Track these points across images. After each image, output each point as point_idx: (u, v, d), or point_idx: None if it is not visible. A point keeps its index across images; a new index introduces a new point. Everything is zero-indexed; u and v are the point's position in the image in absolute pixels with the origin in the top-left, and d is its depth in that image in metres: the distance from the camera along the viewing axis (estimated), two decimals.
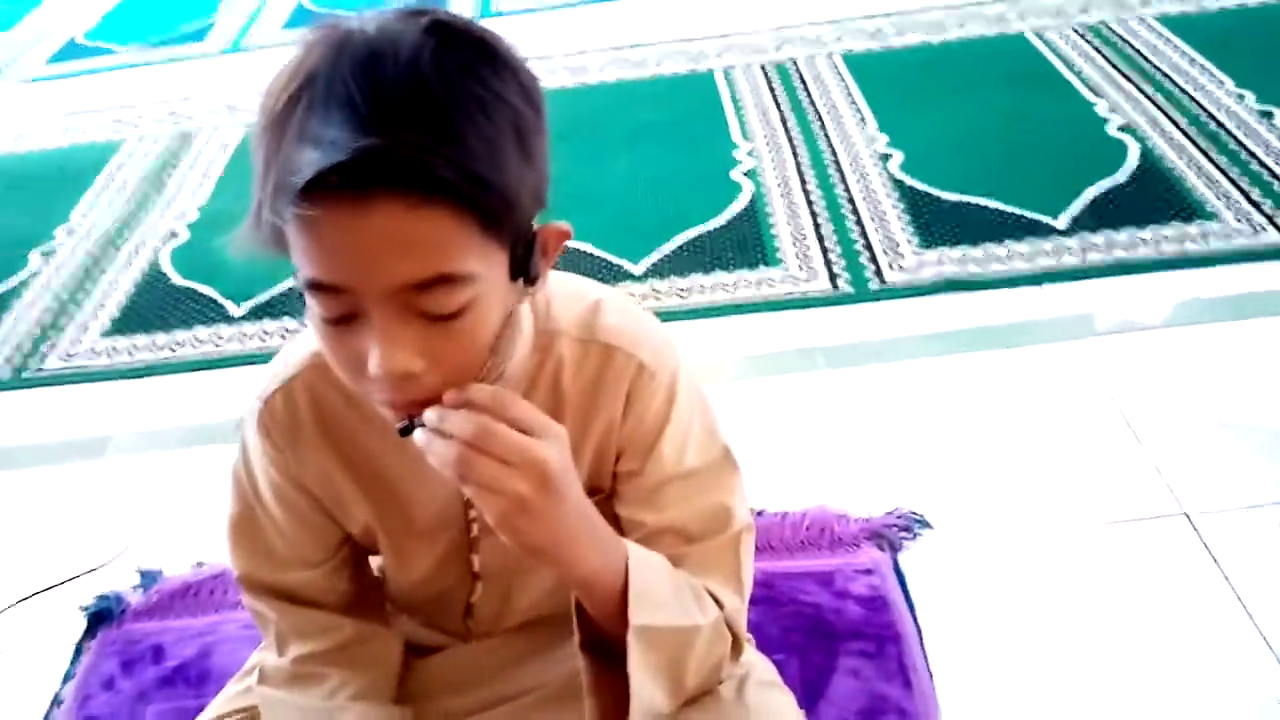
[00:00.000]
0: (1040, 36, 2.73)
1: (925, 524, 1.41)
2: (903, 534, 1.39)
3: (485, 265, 0.64)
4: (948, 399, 1.65)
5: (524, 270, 0.69)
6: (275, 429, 0.86)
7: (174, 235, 2.47)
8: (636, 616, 0.77)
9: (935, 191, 2.17)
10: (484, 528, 0.91)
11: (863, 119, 2.49)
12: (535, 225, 0.69)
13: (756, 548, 0.96)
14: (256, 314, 2.14)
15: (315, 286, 0.63)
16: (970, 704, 1.19)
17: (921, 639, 1.26)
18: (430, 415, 0.67)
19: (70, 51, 3.72)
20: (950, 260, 1.96)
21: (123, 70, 3.49)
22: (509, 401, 0.68)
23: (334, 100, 0.59)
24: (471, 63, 0.62)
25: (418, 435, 0.67)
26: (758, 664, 0.94)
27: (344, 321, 0.65)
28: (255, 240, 0.65)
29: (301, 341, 0.87)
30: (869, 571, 1.33)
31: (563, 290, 0.85)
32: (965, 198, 2.13)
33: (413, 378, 0.65)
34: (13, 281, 2.39)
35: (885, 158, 2.31)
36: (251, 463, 0.89)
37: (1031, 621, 1.28)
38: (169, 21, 3.81)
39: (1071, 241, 1.95)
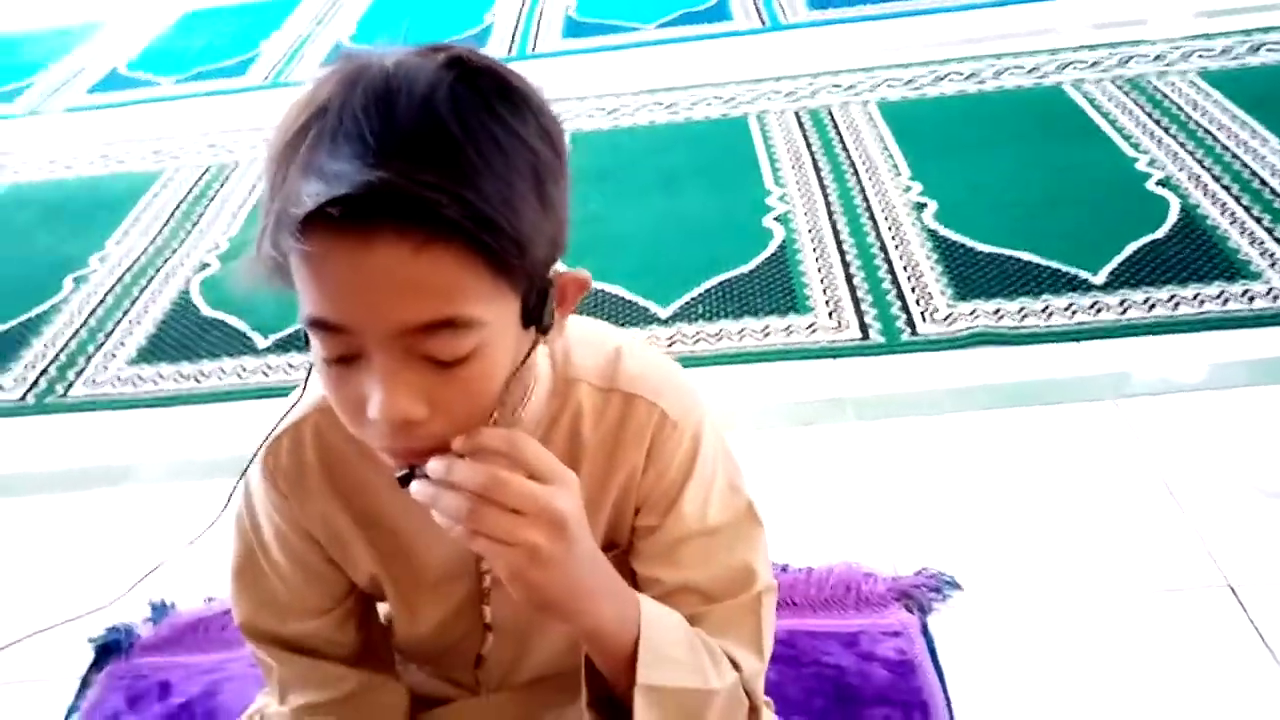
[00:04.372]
0: (1079, 89, 2.71)
1: (955, 585, 1.36)
2: (932, 595, 1.34)
3: (494, 311, 0.62)
4: (980, 456, 1.60)
5: (536, 318, 0.66)
6: (280, 475, 0.83)
7: (205, 266, 2.48)
8: (645, 675, 0.74)
9: (970, 243, 2.13)
10: (497, 578, 0.89)
11: (896, 168, 2.47)
12: (554, 272, 0.67)
13: (779, 604, 0.93)
14: (282, 347, 2.14)
15: (316, 324, 0.61)
16: None
17: (950, 708, 1.21)
18: (436, 466, 0.64)
19: (112, 82, 3.77)
20: (985, 313, 1.92)
21: (163, 102, 3.54)
22: (522, 444, 0.65)
23: (343, 133, 0.57)
24: (490, 101, 0.59)
25: (416, 487, 0.65)
26: None
27: (345, 362, 0.62)
28: (257, 272, 0.63)
29: (312, 383, 0.84)
30: (896, 634, 1.29)
31: (582, 337, 0.82)
32: (1001, 250, 2.09)
33: (414, 425, 0.63)
34: (44, 307, 2.40)
35: (919, 207, 2.29)
36: (255, 509, 0.87)
37: (1065, 693, 1.22)
38: (211, 54, 3.86)
39: (1110, 298, 1.91)
